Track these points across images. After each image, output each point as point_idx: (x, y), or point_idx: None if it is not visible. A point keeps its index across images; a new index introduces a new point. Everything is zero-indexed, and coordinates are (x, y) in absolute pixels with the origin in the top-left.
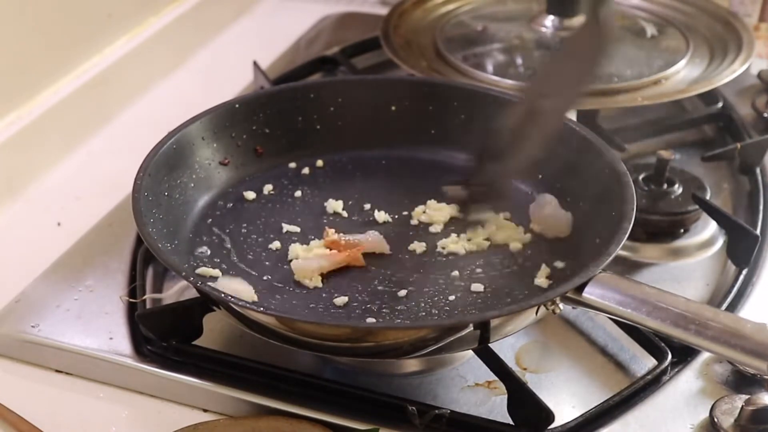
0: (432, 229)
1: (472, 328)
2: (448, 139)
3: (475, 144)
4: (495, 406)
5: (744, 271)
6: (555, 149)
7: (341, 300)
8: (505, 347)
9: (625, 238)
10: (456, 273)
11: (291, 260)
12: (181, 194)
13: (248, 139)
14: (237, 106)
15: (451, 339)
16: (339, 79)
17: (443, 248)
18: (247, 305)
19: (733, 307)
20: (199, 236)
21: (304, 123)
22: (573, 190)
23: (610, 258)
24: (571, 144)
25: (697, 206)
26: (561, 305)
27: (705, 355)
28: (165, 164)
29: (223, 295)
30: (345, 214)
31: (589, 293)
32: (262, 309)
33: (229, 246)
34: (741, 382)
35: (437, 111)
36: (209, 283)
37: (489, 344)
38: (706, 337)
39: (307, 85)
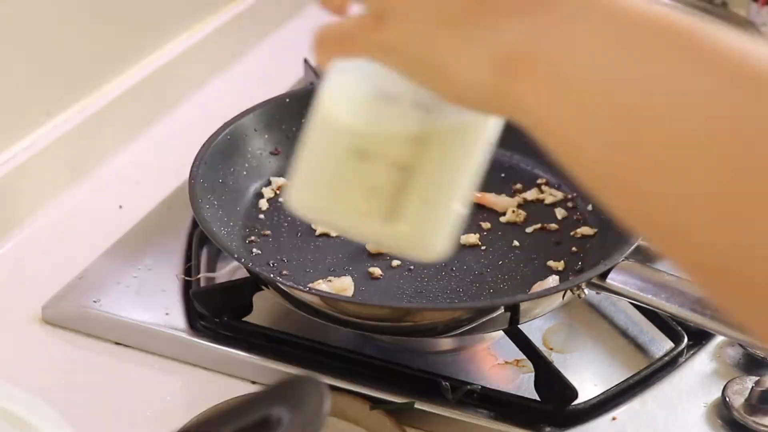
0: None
1: (503, 310)
2: None
3: None
4: (523, 383)
5: None
6: None
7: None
8: (533, 328)
9: None
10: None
11: None
12: (235, 181)
13: (298, 131)
14: (287, 100)
15: (484, 320)
16: None
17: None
18: (293, 285)
19: None
20: (250, 220)
21: None
22: None
23: (632, 247)
24: None
25: None
26: (586, 290)
27: (719, 339)
28: (220, 153)
29: (270, 275)
30: None
31: (612, 279)
32: (307, 289)
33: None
34: (752, 364)
35: None
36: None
37: (518, 325)
38: (721, 322)
39: None
